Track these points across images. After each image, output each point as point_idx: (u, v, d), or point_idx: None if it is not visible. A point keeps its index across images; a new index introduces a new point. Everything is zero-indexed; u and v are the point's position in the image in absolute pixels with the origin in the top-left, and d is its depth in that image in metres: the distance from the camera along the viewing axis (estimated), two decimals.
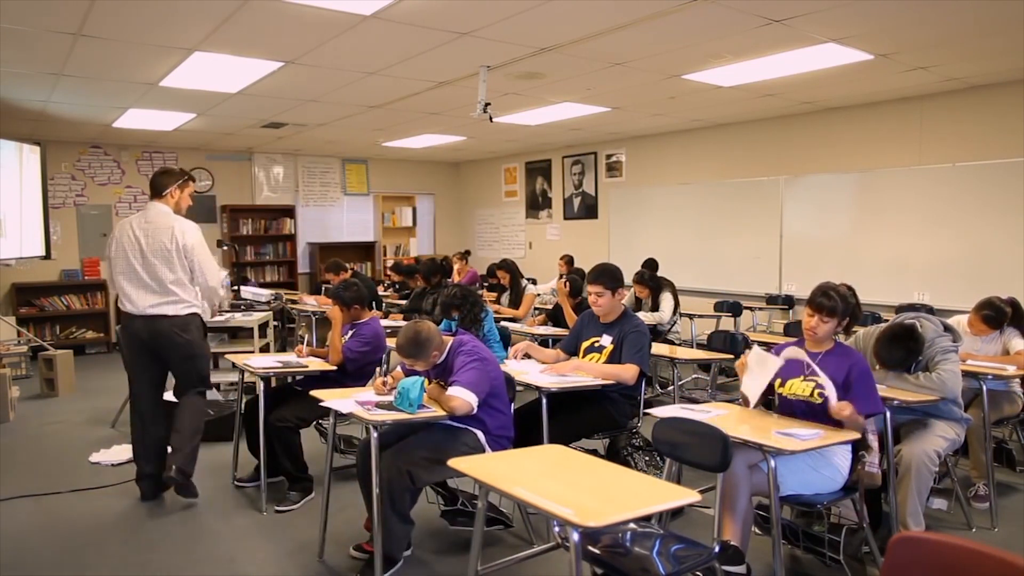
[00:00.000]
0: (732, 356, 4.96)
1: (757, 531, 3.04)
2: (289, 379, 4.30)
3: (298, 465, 3.94)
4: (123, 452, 4.73)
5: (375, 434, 2.88)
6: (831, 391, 2.80)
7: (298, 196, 10.76)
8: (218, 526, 3.67)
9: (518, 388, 3.51)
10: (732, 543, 2.61)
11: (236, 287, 7.00)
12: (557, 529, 2.64)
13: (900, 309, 4.86)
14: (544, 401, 3.38)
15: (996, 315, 3.99)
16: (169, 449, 4.04)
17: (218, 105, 6.64)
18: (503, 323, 5.58)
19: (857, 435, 2.78)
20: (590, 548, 2.28)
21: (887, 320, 3.96)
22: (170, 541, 3.50)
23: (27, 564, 3.28)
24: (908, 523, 3.20)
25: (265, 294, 6.77)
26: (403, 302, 7.34)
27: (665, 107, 7.02)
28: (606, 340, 3.73)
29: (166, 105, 6.64)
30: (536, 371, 3.67)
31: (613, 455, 3.74)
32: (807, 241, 7.43)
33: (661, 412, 2.92)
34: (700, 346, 6.17)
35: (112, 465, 4.60)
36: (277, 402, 3.96)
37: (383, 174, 11.44)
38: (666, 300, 6.16)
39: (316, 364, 4.06)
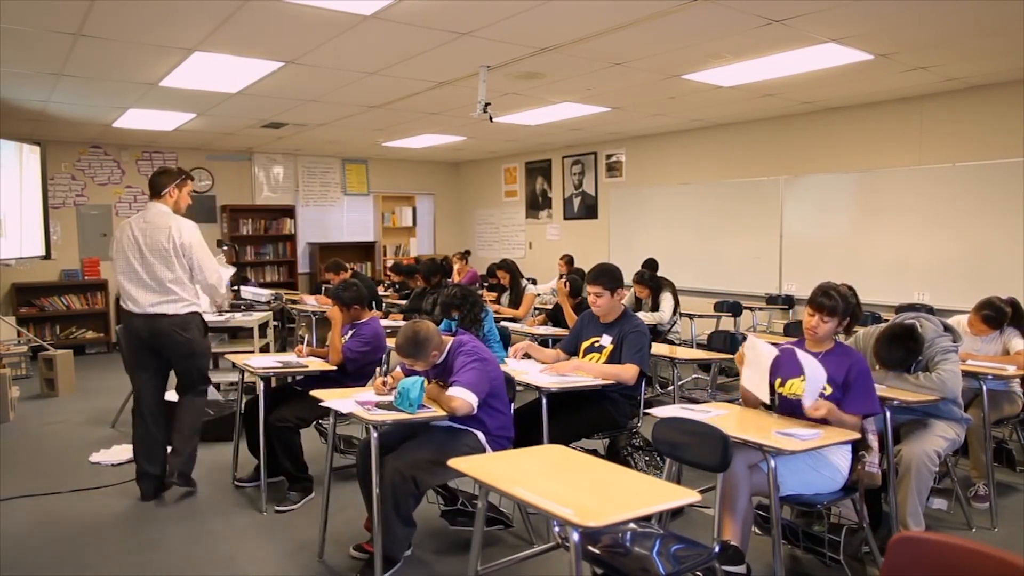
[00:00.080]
0: (732, 356, 4.97)
1: (757, 531, 3.04)
2: (289, 379, 4.30)
3: (298, 465, 3.94)
4: (123, 452, 4.73)
5: (375, 434, 2.88)
6: (808, 393, 2.82)
7: (298, 196, 10.76)
8: (218, 526, 3.67)
9: (518, 388, 3.51)
10: (732, 543, 2.61)
11: (236, 287, 7.00)
12: (557, 529, 2.64)
13: (900, 309, 4.86)
14: (544, 401, 3.38)
15: (996, 315, 3.99)
16: (169, 449, 4.08)
17: (218, 105, 6.64)
18: (503, 323, 5.58)
19: (857, 435, 2.78)
20: (590, 548, 2.28)
21: (887, 320, 3.95)
22: (170, 541, 3.50)
23: (27, 564, 3.28)
24: (908, 523, 3.20)
25: (265, 294, 6.77)
26: (403, 302, 7.34)
27: (665, 107, 7.02)
28: (606, 340, 3.73)
29: (166, 105, 6.64)
30: (536, 371, 3.67)
31: (613, 455, 3.73)
32: (807, 241, 7.43)
33: (661, 412, 2.92)
34: (700, 346, 6.17)
35: (112, 465, 4.60)
36: (277, 402, 3.96)
37: (383, 174, 11.45)
38: (666, 300, 6.16)
39: (316, 364, 4.06)
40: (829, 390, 2.93)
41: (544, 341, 5.47)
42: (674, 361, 4.59)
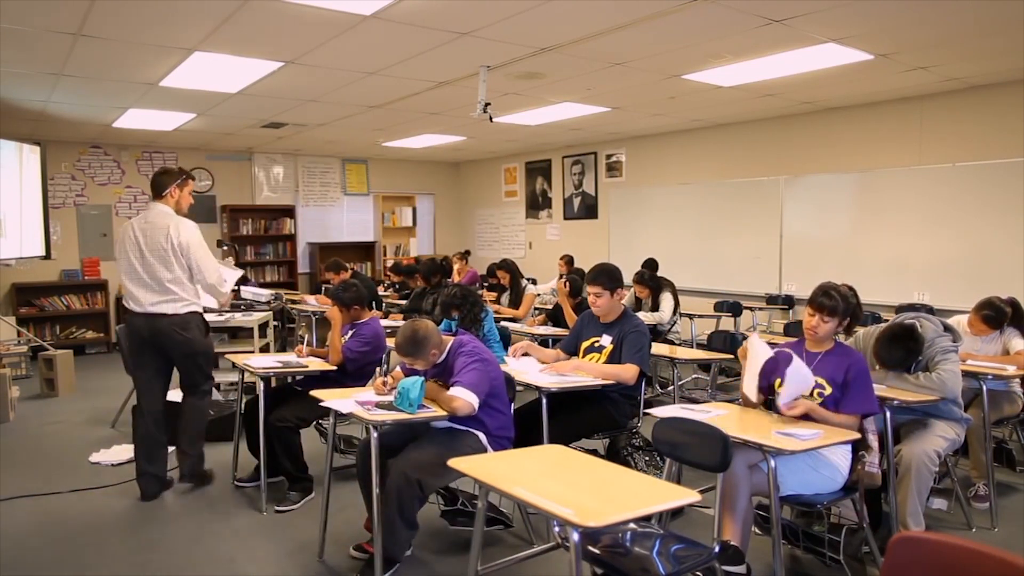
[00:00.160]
0: (732, 356, 4.96)
1: (757, 531, 3.04)
2: (289, 379, 4.30)
3: (298, 465, 3.94)
4: (123, 452, 4.74)
5: (375, 434, 2.88)
6: (785, 393, 2.83)
7: (298, 196, 10.76)
8: (218, 526, 3.67)
9: (518, 388, 3.51)
10: (732, 543, 2.61)
11: (236, 287, 6.99)
12: (557, 529, 2.64)
13: (900, 309, 4.86)
14: (544, 401, 3.38)
15: (996, 315, 3.98)
16: (176, 450, 4.13)
17: (218, 105, 6.64)
18: (503, 323, 5.58)
19: (856, 435, 2.78)
20: (590, 548, 2.28)
21: (887, 320, 3.95)
22: (170, 541, 3.50)
23: (27, 564, 3.28)
24: (908, 523, 3.20)
25: (265, 294, 6.76)
26: (403, 302, 7.34)
27: (665, 107, 7.02)
28: (606, 340, 3.73)
29: (166, 105, 6.64)
30: (536, 370, 3.67)
31: (613, 455, 3.73)
32: (807, 241, 7.43)
33: (661, 412, 2.92)
34: (700, 346, 6.17)
35: (112, 465, 4.60)
36: (277, 402, 3.96)
37: (383, 174, 11.45)
38: (666, 300, 6.16)
39: (316, 364, 4.07)
40: (829, 390, 2.93)
41: (544, 341, 5.47)
42: (674, 361, 4.59)
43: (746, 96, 6.42)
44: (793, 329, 5.47)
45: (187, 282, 3.97)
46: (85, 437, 5.23)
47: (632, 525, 2.46)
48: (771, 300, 7.63)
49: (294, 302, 7.89)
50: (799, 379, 2.86)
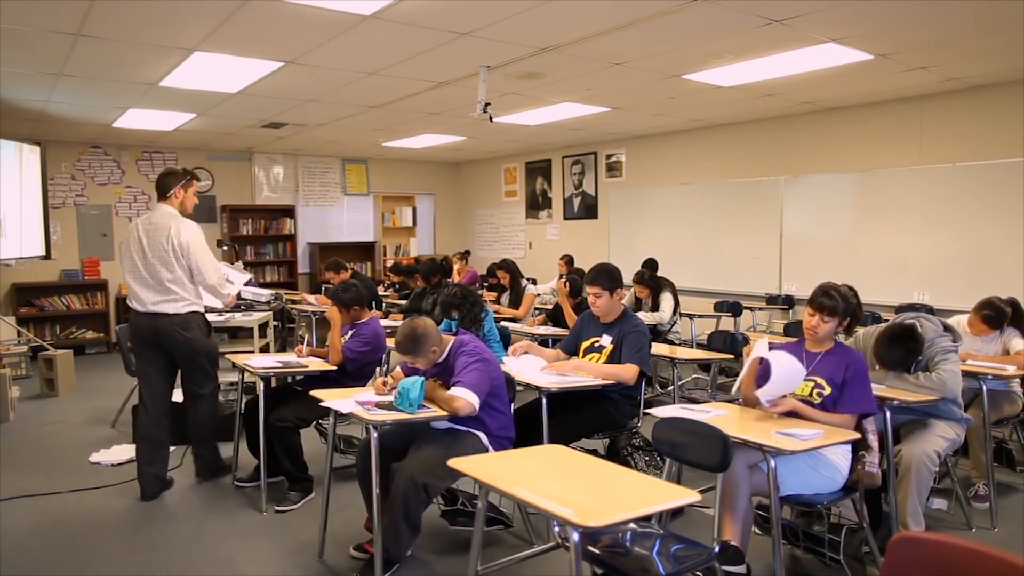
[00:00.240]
0: (732, 356, 4.98)
1: (757, 531, 3.04)
2: (289, 379, 4.30)
3: (298, 465, 3.94)
4: (123, 452, 4.73)
5: (375, 434, 2.88)
6: (766, 390, 2.84)
7: (298, 196, 10.76)
8: (218, 526, 3.67)
9: (518, 388, 3.52)
10: (732, 543, 2.61)
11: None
12: (557, 529, 2.64)
13: (900, 309, 4.86)
14: (544, 401, 3.38)
15: (996, 315, 3.99)
16: (191, 451, 4.23)
17: (218, 105, 6.64)
18: (503, 323, 5.58)
19: (856, 435, 2.78)
20: (590, 548, 2.28)
21: (887, 320, 3.96)
22: (170, 541, 3.50)
23: (27, 564, 3.28)
24: (908, 523, 3.20)
25: (265, 294, 6.76)
26: (403, 302, 7.34)
27: (665, 107, 7.02)
28: (606, 340, 3.73)
29: (166, 105, 6.64)
30: (536, 367, 3.67)
31: (613, 455, 3.73)
32: (807, 241, 7.43)
33: (661, 412, 2.92)
34: (700, 346, 6.17)
35: (112, 465, 4.59)
36: (277, 402, 3.96)
37: (383, 174, 11.44)
38: (666, 300, 6.16)
39: (316, 364, 4.07)
40: (828, 390, 2.93)
41: (544, 341, 5.46)
42: (674, 361, 4.59)
43: (746, 96, 6.42)
44: (793, 329, 5.47)
45: (188, 282, 4.00)
46: (85, 437, 5.23)
47: (632, 525, 2.46)
48: (771, 300, 7.63)
49: (294, 302, 7.89)
50: (785, 375, 2.86)
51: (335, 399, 3.15)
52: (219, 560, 3.30)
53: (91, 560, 3.31)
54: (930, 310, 4.86)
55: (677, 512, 3.50)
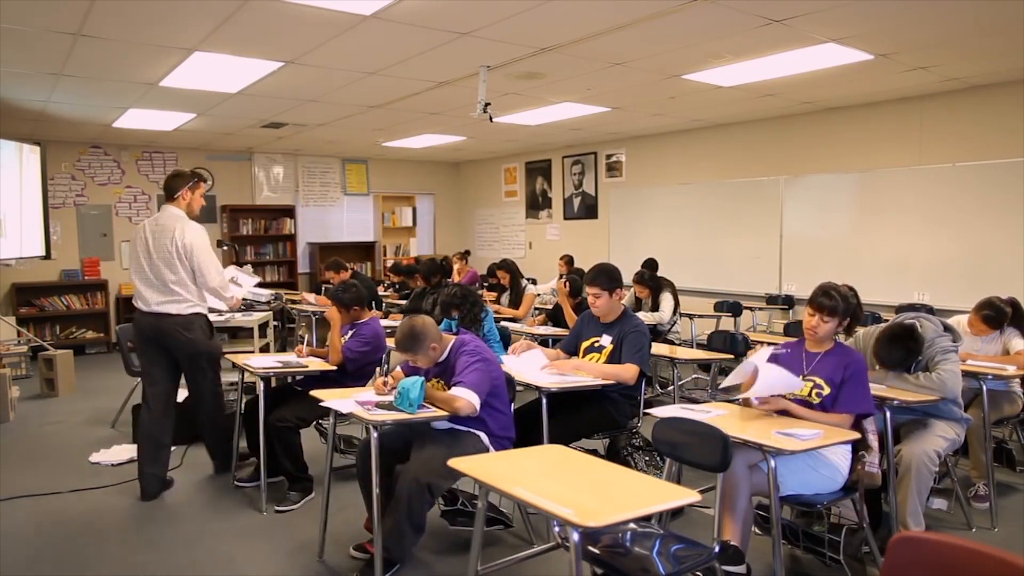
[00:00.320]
0: (732, 356, 4.97)
1: (757, 531, 3.04)
2: (289, 379, 4.30)
3: (298, 465, 3.94)
4: (123, 452, 4.73)
5: (375, 434, 2.88)
6: (755, 389, 2.85)
7: (298, 196, 10.76)
8: (218, 526, 3.67)
9: (518, 388, 3.52)
10: (732, 543, 2.61)
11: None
12: (557, 529, 2.64)
13: (900, 309, 4.86)
14: (544, 401, 3.38)
15: (996, 315, 3.99)
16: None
17: (218, 105, 6.64)
18: (503, 323, 5.58)
19: (855, 435, 2.79)
20: (590, 548, 2.28)
21: (887, 320, 3.96)
22: (170, 541, 3.50)
23: (27, 564, 3.28)
24: (908, 523, 3.20)
25: (265, 294, 6.76)
26: (403, 302, 7.33)
27: (665, 107, 7.02)
28: (606, 340, 3.73)
29: (166, 105, 6.64)
30: (537, 366, 3.67)
31: (613, 455, 3.73)
32: (807, 241, 7.43)
33: (661, 412, 2.92)
34: (700, 346, 6.17)
35: (112, 465, 4.59)
36: (277, 402, 3.96)
37: (383, 174, 11.44)
38: (666, 300, 6.16)
39: (316, 364, 4.07)
40: (827, 390, 2.93)
41: (544, 341, 5.47)
42: (674, 361, 4.59)
43: (746, 96, 6.42)
44: (793, 329, 5.47)
45: (191, 284, 4.02)
46: (85, 437, 5.22)
47: (632, 525, 2.46)
48: (771, 300, 7.63)
49: (294, 302, 7.89)
50: (772, 377, 2.86)
51: (335, 399, 3.15)
52: (219, 560, 3.30)
53: (91, 560, 3.31)
54: (930, 310, 4.85)
55: (677, 512, 3.50)
